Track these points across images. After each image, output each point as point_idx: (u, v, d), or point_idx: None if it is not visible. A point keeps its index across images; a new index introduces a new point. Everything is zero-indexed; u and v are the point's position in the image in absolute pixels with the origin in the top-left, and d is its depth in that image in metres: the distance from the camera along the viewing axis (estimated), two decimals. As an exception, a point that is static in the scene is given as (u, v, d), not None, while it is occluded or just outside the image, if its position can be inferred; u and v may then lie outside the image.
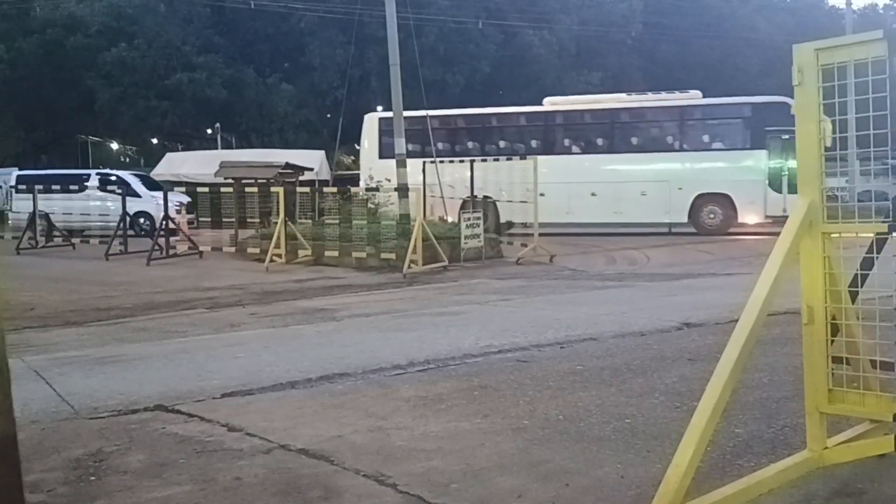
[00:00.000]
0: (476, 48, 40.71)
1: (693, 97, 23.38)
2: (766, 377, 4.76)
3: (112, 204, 21.38)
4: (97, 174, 25.86)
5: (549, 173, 21.82)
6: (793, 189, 3.39)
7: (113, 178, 25.68)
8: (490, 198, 21.59)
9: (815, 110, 2.91)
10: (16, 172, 27.39)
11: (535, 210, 16.33)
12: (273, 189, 16.89)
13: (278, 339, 7.28)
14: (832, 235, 2.98)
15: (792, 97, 3.00)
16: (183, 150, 36.70)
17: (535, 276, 12.93)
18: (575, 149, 23.66)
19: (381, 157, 23.16)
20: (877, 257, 3.32)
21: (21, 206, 23.93)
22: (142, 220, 24.45)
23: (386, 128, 23.73)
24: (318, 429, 4.13)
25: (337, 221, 15.75)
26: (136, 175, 27.10)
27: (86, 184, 23.10)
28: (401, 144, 17.19)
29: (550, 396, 4.64)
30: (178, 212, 22.70)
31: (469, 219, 15.17)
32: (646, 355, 5.74)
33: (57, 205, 21.52)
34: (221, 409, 4.57)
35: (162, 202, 19.16)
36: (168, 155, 33.57)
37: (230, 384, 5.16)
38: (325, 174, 29.41)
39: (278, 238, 15.14)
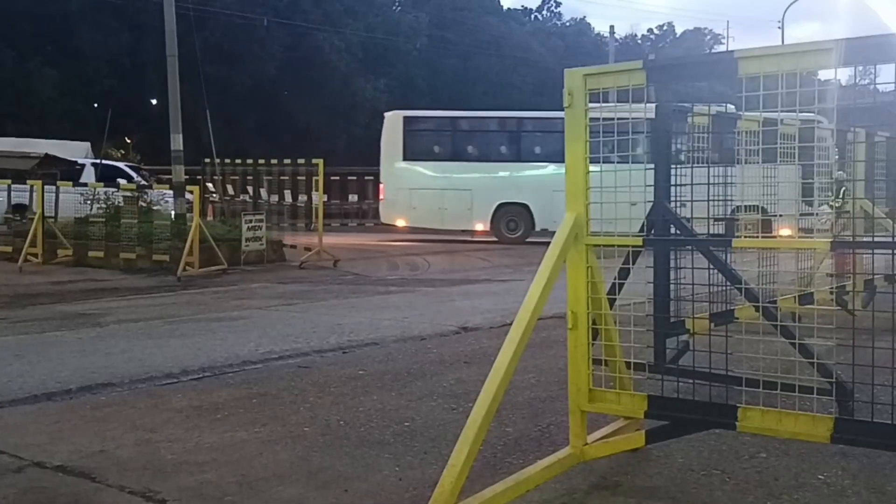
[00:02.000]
0: (261, 48, 39.80)
1: None
2: (534, 378, 5.04)
3: None
4: (92, 163, 20.85)
5: None
6: None
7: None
8: (525, 203, 21.25)
9: (582, 131, 3.13)
10: None
11: (320, 211, 16.27)
12: (30, 182, 15.43)
13: (33, 346, 6.65)
14: (595, 247, 3.21)
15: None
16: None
17: (319, 280, 12.83)
18: None
19: (405, 158, 21.89)
20: (632, 268, 3.65)
21: None
22: None
23: (411, 128, 22.43)
24: (79, 444, 3.82)
25: (103, 219, 14.67)
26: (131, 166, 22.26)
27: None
28: (177, 140, 16.34)
29: (332, 402, 4.61)
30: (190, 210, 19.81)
31: (251, 220, 14.76)
32: (426, 359, 5.88)
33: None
34: (-38, 426, 4.10)
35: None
36: None
37: (-26, 398, 4.65)
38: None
39: (34, 236, 13.87)
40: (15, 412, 4.46)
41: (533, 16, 61.50)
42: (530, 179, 21.75)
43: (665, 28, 66.90)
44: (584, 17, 74.37)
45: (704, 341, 3.40)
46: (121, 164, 21.98)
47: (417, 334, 6.96)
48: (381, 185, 22.36)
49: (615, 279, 3.60)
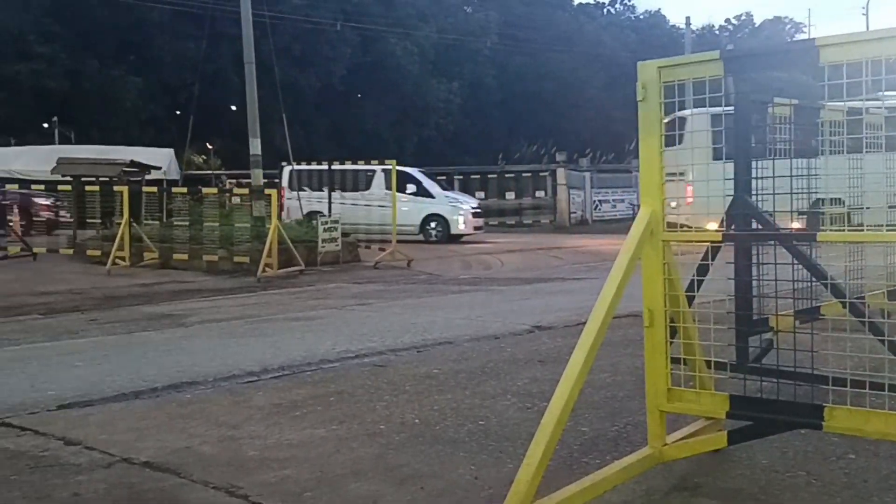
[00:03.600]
0: (332, 50, 40.42)
1: None
2: (610, 377, 4.98)
3: (403, 206, 18.99)
4: (383, 170, 20.68)
5: None
6: None
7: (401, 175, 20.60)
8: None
9: (657, 125, 3.07)
10: (289, 167, 21.92)
11: (394, 211, 16.49)
12: (116, 188, 16.04)
13: (121, 346, 6.91)
14: (671, 243, 3.15)
15: (634, 111, 3.15)
16: (16, 144, 34.09)
17: (393, 280, 12.96)
18: None
19: (716, 157, 21.74)
20: (711, 264, 3.56)
21: (293, 206, 20.16)
22: (433, 225, 21.08)
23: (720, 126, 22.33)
24: (164, 440, 3.95)
25: (187, 223, 15.15)
26: (425, 172, 23.00)
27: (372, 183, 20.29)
28: (256, 145, 16.75)
29: (407, 401, 4.65)
30: (476, 215, 20.83)
31: (326, 222, 15.01)
32: (499, 358, 5.87)
33: (336, 207, 18.84)
34: (57, 422, 4.30)
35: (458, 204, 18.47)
36: (-3, 149, 31.08)
37: (67, 395, 4.87)
38: (175, 174, 28.25)
39: (122, 239, 14.41)
40: (104, 409, 4.64)
41: (605, 10, 60.74)
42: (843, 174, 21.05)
43: (743, 18, 65.29)
44: (659, 9, 73.28)
45: (789, 339, 3.30)
46: (411, 171, 22.09)
47: (491, 333, 6.95)
48: (690, 188, 21.47)
49: (693, 276, 3.52)
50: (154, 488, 3.31)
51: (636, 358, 4.61)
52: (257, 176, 16.59)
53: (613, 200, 31.85)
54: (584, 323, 2.92)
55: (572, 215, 29.87)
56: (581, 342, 2.85)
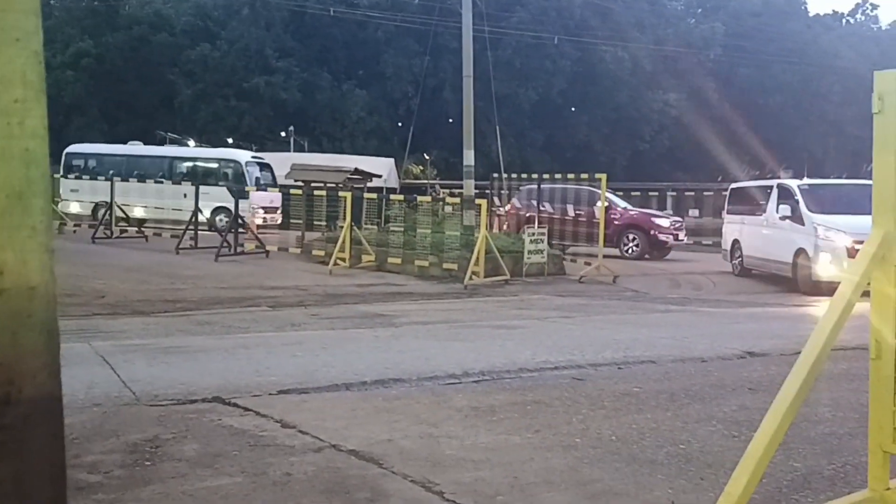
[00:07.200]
0: (552, 64, 40.69)
1: None
2: (829, 412, 4.61)
3: (777, 234, 15.05)
4: (778, 186, 15.97)
5: None
6: None
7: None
8: None
9: (893, 139, 2.82)
10: (733, 185, 19.04)
11: (601, 226, 16.26)
12: (341, 194, 17.15)
13: (336, 341, 7.37)
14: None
15: (869, 125, 2.90)
16: (256, 150, 37.50)
17: (597, 295, 12.79)
18: None
19: None
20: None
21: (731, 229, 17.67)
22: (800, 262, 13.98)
23: None
24: (370, 431, 4.16)
25: (402, 229, 15.89)
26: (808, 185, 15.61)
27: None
28: (469, 156, 17.24)
29: (604, 416, 4.58)
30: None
31: (533, 234, 15.12)
32: (705, 382, 5.62)
33: (740, 231, 17.08)
34: (276, 406, 4.64)
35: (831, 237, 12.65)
36: (242, 155, 34.22)
37: (286, 382, 5.24)
38: (394, 182, 29.70)
39: (343, 242, 15.35)
40: (318, 398, 4.96)
41: (844, 21, 56.32)
42: None
43: None
44: (906, 17, 66.69)
45: None
46: (791, 183, 15.63)
47: (697, 356, 6.66)
48: None
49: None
50: (357, 475, 3.50)
51: (861, 394, 4.22)
52: (469, 186, 17.06)
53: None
54: (801, 350, 2.73)
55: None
56: (795, 370, 2.67)
